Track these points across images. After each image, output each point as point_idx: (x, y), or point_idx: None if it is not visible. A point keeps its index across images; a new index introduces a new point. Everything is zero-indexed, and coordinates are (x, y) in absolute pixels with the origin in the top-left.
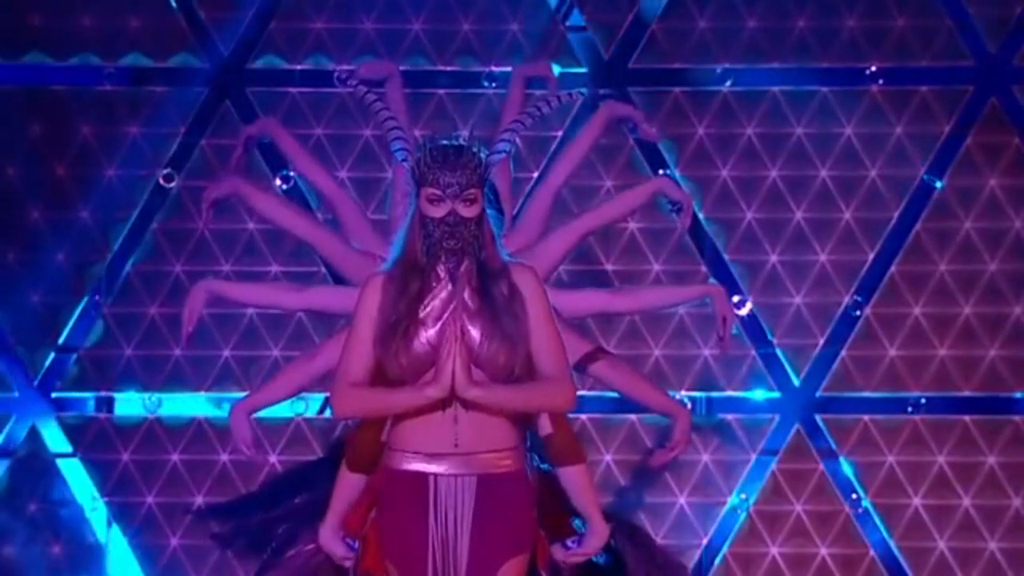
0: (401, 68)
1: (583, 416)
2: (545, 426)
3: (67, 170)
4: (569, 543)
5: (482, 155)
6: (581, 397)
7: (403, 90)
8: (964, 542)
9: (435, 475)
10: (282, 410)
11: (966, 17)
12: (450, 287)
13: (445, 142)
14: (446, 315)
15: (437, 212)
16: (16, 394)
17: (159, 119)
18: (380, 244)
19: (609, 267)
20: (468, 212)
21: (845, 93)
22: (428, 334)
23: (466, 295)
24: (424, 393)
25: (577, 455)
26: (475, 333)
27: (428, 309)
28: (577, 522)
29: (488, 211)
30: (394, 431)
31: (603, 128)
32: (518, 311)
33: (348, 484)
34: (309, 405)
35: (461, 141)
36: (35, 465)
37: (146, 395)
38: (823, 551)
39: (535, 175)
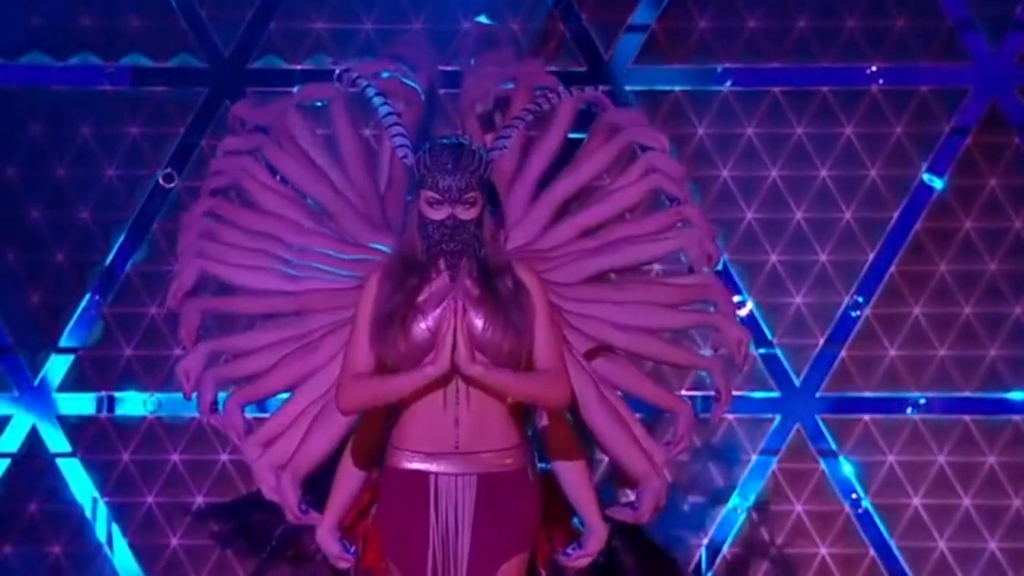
0: None
1: None
2: (544, 417)
3: (67, 170)
4: (569, 550)
5: (482, 154)
6: None
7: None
8: (964, 542)
9: (436, 474)
10: None
11: (966, 17)
12: (448, 278)
13: (445, 141)
14: (446, 300)
15: (436, 215)
16: (16, 394)
17: (159, 119)
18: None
19: None
20: (467, 215)
21: (845, 93)
22: (427, 321)
23: (468, 283)
24: (424, 372)
25: (576, 451)
26: (478, 321)
27: (426, 296)
28: (576, 522)
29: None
30: (396, 430)
31: (573, 115)
32: (525, 304)
33: (348, 481)
34: None
35: (462, 140)
36: (35, 465)
37: (146, 395)
38: (823, 551)
39: None
